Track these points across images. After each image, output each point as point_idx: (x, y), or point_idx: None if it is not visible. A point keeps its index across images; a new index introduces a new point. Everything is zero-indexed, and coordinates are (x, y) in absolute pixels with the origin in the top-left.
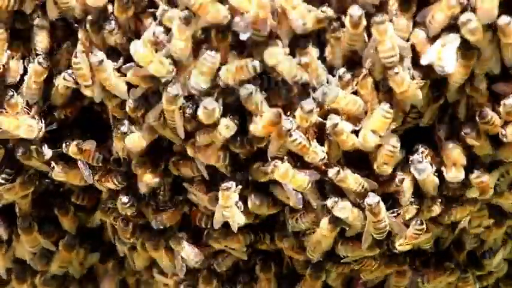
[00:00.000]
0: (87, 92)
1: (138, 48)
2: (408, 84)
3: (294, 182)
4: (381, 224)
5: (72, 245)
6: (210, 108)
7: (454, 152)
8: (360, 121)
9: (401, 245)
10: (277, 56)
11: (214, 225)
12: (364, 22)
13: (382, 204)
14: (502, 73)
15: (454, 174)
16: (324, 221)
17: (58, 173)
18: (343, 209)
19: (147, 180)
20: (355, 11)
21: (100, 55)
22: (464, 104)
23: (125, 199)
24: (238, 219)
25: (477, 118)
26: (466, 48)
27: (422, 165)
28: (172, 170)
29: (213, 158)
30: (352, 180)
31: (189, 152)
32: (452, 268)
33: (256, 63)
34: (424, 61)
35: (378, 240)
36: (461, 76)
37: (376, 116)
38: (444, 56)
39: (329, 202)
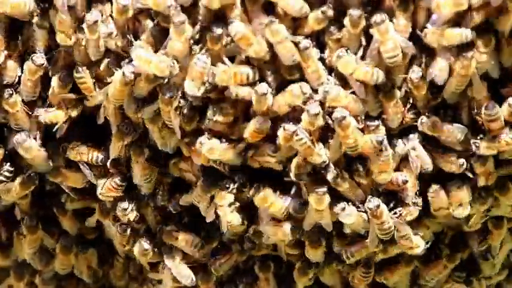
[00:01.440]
0: (93, 102)
1: (138, 52)
2: (354, 67)
3: (272, 207)
4: (384, 225)
5: (69, 247)
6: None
7: (461, 193)
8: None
9: None
10: (282, 33)
11: (206, 218)
12: (363, 23)
13: (383, 206)
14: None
15: (460, 212)
16: (311, 196)
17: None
18: (349, 216)
19: (137, 172)
20: (355, 10)
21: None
22: (466, 106)
23: (124, 205)
24: (230, 220)
25: (483, 110)
26: (464, 59)
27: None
28: (172, 170)
29: (203, 158)
30: (346, 186)
31: (184, 152)
32: (448, 254)
33: (250, 71)
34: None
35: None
36: (457, 86)
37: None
38: (437, 66)
39: (337, 208)
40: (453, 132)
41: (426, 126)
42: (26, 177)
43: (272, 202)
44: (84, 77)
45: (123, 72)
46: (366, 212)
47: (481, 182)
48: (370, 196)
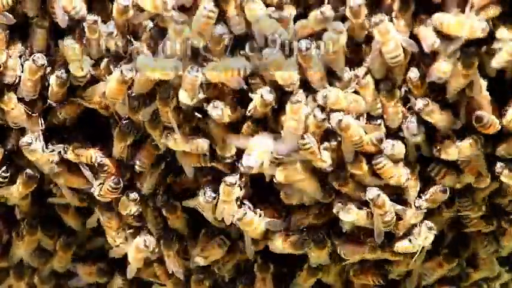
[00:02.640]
0: (104, 112)
1: (142, 60)
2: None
3: (255, 230)
4: (387, 216)
5: (69, 245)
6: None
7: None
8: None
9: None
10: (257, 11)
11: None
12: (365, 11)
13: (384, 195)
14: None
15: None
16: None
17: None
18: (348, 213)
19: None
20: (354, 1)
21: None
22: (464, 106)
23: (135, 195)
24: (240, 216)
25: (473, 122)
26: (467, 58)
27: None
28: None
29: (195, 159)
30: (351, 187)
31: (178, 156)
32: (445, 253)
33: (243, 66)
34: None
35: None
36: (460, 85)
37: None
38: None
39: (334, 208)
40: (448, 118)
41: (423, 110)
42: (27, 177)
43: (256, 227)
44: (92, 98)
45: (121, 71)
46: (367, 204)
47: (467, 179)
48: (369, 187)
